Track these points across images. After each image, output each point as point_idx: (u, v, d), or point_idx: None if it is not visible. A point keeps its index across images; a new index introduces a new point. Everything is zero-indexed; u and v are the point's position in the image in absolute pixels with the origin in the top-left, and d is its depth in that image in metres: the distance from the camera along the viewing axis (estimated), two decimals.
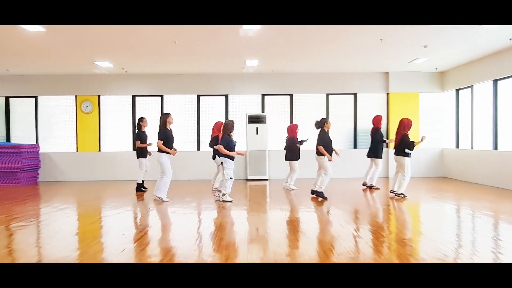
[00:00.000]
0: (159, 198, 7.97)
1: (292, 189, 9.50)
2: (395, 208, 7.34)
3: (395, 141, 8.19)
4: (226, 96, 12.45)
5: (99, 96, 12.37)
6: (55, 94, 12.33)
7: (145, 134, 9.28)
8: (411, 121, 8.12)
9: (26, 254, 4.47)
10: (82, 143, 12.35)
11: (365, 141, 11.60)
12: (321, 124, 8.20)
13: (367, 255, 4.33)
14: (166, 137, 7.89)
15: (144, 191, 9.34)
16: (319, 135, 8.17)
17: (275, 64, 11.07)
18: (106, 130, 12.47)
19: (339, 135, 12.33)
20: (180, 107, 12.44)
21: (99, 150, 12.38)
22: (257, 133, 11.78)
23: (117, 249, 4.61)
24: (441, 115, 12.53)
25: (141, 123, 9.27)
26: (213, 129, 9.36)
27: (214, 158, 9.19)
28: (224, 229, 5.68)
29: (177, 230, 5.89)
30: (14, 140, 12.39)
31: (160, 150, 7.89)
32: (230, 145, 7.75)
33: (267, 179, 11.84)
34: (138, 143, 9.17)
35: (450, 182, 10.97)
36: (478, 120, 10.77)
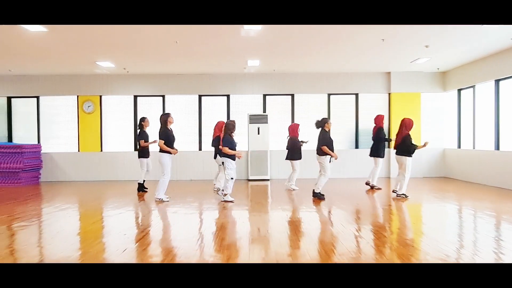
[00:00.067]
0: (159, 199, 7.97)
1: (294, 189, 9.50)
2: (397, 208, 7.33)
3: (396, 140, 8.17)
4: (228, 96, 12.45)
5: (100, 96, 12.39)
6: (57, 94, 12.35)
7: (147, 134, 9.29)
8: (412, 121, 8.10)
9: (27, 254, 4.48)
10: (84, 143, 12.37)
11: (367, 141, 11.59)
12: (322, 124, 8.19)
13: (368, 255, 4.33)
14: (167, 137, 7.90)
15: (145, 192, 9.35)
16: (320, 135, 8.16)
17: (276, 64, 11.07)
18: (107, 130, 12.48)
19: (340, 135, 12.34)
20: (182, 107, 12.44)
21: (101, 150, 12.39)
22: (258, 133, 11.78)
23: (119, 249, 4.62)
24: (443, 115, 12.51)
25: (142, 123, 9.28)
26: (214, 129, 9.36)
27: (215, 157, 9.20)
28: (225, 229, 5.68)
29: (178, 230, 5.89)
30: (16, 140, 12.42)
31: (161, 150, 7.90)
32: (231, 146, 7.77)
33: (268, 179, 11.84)
34: (142, 142, 9.18)
35: (451, 182, 10.95)
36: (480, 120, 10.75)
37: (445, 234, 5.46)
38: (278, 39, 8.34)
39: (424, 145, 8.05)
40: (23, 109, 12.52)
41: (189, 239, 5.11)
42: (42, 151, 12.11)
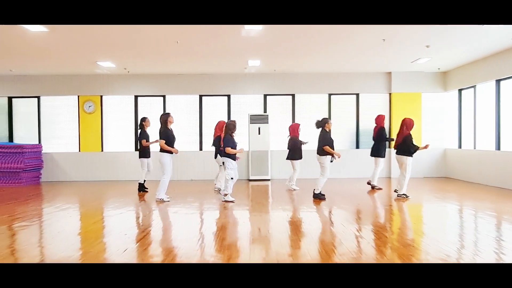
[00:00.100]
0: (160, 199, 7.98)
1: (294, 189, 9.50)
2: (398, 208, 7.32)
3: (397, 140, 8.17)
4: (228, 96, 12.45)
5: (101, 96, 12.40)
6: (58, 94, 12.36)
7: (147, 134, 9.30)
8: (413, 121, 8.09)
9: (28, 254, 4.48)
10: (85, 143, 12.38)
11: (368, 141, 11.60)
12: (322, 124, 8.19)
13: (369, 255, 4.33)
14: (167, 137, 7.90)
15: (146, 192, 9.35)
16: (321, 135, 8.15)
17: (277, 64, 11.07)
18: (108, 130, 12.49)
19: (341, 135, 12.34)
20: (182, 107, 12.45)
21: (102, 150, 12.40)
22: (259, 133, 11.78)
23: (119, 249, 4.62)
24: (444, 115, 12.50)
25: (143, 123, 9.28)
26: (215, 129, 9.35)
27: (215, 157, 9.20)
28: (226, 229, 5.68)
29: (179, 230, 5.89)
30: (17, 140, 12.43)
31: (162, 150, 7.91)
32: (232, 146, 7.78)
33: (269, 179, 11.84)
34: (144, 142, 9.19)
35: (452, 182, 10.94)
36: (480, 120, 10.74)
37: (446, 234, 5.46)
38: (278, 39, 8.34)
39: (425, 147, 8.07)
40: (24, 109, 12.53)
41: (190, 239, 5.11)
42: (43, 151, 12.12)
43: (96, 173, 12.28)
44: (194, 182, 11.68)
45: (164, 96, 12.42)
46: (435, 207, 7.53)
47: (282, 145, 11.30)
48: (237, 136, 8.16)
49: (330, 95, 12.48)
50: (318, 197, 8.05)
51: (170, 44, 8.58)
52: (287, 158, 9.57)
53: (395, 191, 8.31)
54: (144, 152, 9.26)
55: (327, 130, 8.18)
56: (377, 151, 9.54)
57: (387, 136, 9.79)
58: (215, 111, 12.39)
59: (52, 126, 12.51)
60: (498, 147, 9.91)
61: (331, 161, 8.12)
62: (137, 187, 9.51)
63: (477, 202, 7.83)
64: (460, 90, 11.75)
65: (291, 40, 8.43)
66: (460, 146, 11.79)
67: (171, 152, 7.93)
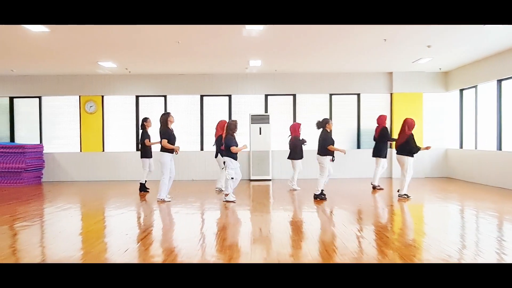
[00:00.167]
0: (161, 199, 7.98)
1: (295, 189, 9.49)
2: (399, 208, 7.32)
3: (399, 140, 8.16)
4: (229, 96, 12.46)
5: (102, 96, 12.41)
6: (59, 95, 12.38)
7: (149, 135, 9.30)
8: (414, 121, 8.09)
9: (29, 254, 4.49)
10: (86, 143, 12.39)
11: (369, 142, 11.59)
12: (323, 125, 8.18)
13: (370, 256, 4.32)
14: (168, 136, 7.90)
15: (147, 192, 9.35)
16: (322, 136, 8.14)
17: (278, 64, 11.07)
18: (109, 130, 12.50)
19: (342, 136, 12.32)
20: (183, 107, 12.45)
21: (103, 150, 12.41)
22: (260, 133, 11.78)
23: (121, 249, 4.62)
24: (445, 115, 12.48)
25: (145, 123, 9.30)
26: (216, 128, 9.34)
27: (216, 156, 9.20)
28: (227, 229, 5.68)
29: (180, 230, 5.89)
30: (18, 140, 12.45)
31: (162, 150, 7.91)
32: (235, 145, 7.80)
33: (270, 180, 11.84)
34: (147, 142, 9.19)
35: (453, 183, 10.93)
36: (482, 120, 10.72)
37: (447, 235, 5.45)
38: (279, 39, 8.34)
39: (427, 148, 8.11)
40: (25, 109, 12.54)
41: (191, 239, 5.12)
42: (44, 151, 12.14)
43: (97, 173, 12.29)
44: (195, 182, 11.68)
45: (165, 96, 12.43)
46: (436, 207, 7.53)
47: (283, 145, 11.30)
48: (238, 136, 8.15)
49: (331, 95, 12.47)
50: (319, 198, 8.05)
51: (171, 44, 8.58)
52: (288, 158, 9.58)
53: (398, 191, 8.29)
54: (146, 152, 9.27)
55: (328, 131, 8.17)
56: (379, 151, 9.53)
57: (390, 137, 9.74)
58: (216, 111, 12.39)
59: (53, 126, 12.52)
60: (499, 147, 9.89)
61: (332, 160, 8.11)
62: (138, 187, 9.51)
63: (479, 202, 7.82)
64: (461, 90, 11.73)
65: (292, 40, 8.43)
66: (461, 146, 11.77)
67: (172, 152, 7.94)
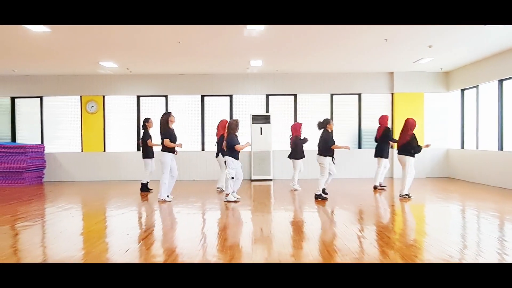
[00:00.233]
0: (162, 199, 7.98)
1: (296, 189, 9.49)
2: (400, 208, 7.31)
3: (400, 141, 8.15)
4: (231, 96, 12.46)
5: (103, 96, 12.42)
6: (60, 95, 12.39)
7: (150, 135, 9.30)
8: (415, 121, 8.09)
9: (31, 254, 4.49)
10: (87, 143, 12.40)
11: (370, 142, 11.58)
12: (324, 125, 8.18)
13: (371, 256, 4.32)
14: (170, 135, 7.91)
15: (149, 192, 9.35)
16: (323, 136, 8.13)
17: (279, 65, 11.07)
18: (110, 130, 12.51)
19: (343, 136, 12.31)
20: (185, 107, 12.46)
21: (104, 150, 12.42)
22: (261, 133, 11.78)
23: (122, 249, 4.63)
24: (446, 115, 12.47)
25: (146, 123, 9.29)
26: (218, 128, 9.35)
27: (217, 156, 9.20)
28: (228, 229, 5.68)
29: (181, 230, 5.90)
30: (20, 140, 12.46)
31: (163, 150, 7.92)
32: (237, 144, 7.83)
33: (271, 179, 11.84)
34: (149, 142, 9.19)
35: (455, 183, 10.91)
36: (483, 120, 10.71)
37: (449, 235, 5.44)
38: (280, 39, 8.34)
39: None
40: (26, 109, 12.56)
41: (192, 239, 5.12)
42: (45, 151, 12.15)
43: (99, 173, 12.30)
44: (196, 182, 11.69)
45: (166, 96, 12.44)
46: (437, 207, 7.52)
47: (284, 145, 11.30)
48: (239, 136, 8.15)
49: (332, 95, 12.47)
50: (320, 198, 8.04)
51: (172, 44, 8.59)
52: (289, 157, 9.58)
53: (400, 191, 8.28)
54: (147, 152, 9.26)
55: (329, 131, 8.17)
56: (380, 151, 9.52)
57: (392, 137, 9.72)
58: (217, 111, 12.40)
59: (54, 126, 12.53)
60: (500, 147, 9.88)
61: (333, 162, 8.13)
62: (140, 187, 9.50)
63: (480, 203, 7.82)
64: (462, 90, 11.72)
65: (292, 40, 8.43)
66: (462, 146, 11.76)
67: (173, 152, 7.94)
